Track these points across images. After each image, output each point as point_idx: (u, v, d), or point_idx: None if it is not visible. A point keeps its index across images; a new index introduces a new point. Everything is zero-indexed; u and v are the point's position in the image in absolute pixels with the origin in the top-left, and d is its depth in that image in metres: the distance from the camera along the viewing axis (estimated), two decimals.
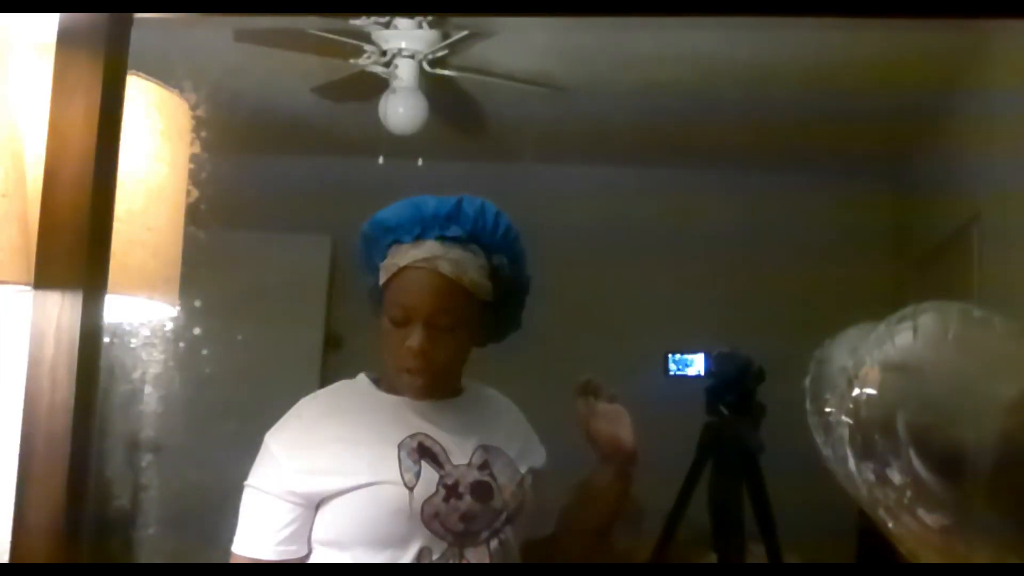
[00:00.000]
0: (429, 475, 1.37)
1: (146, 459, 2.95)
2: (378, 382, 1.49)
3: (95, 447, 0.90)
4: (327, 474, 1.37)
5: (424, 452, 1.39)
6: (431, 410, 1.45)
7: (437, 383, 1.44)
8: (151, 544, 2.72)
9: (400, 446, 1.39)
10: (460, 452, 1.42)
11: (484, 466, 1.42)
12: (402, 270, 1.40)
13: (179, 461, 3.03)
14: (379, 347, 1.45)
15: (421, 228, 1.41)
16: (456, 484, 1.38)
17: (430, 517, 1.36)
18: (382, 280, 1.43)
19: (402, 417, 1.43)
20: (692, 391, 3.08)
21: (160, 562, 2.61)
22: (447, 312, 1.39)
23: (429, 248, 1.40)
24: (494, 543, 1.41)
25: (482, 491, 1.40)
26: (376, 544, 1.35)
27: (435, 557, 1.36)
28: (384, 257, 1.44)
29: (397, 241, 1.43)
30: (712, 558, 3.03)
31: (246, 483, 1.41)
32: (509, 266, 1.47)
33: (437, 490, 1.37)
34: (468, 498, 1.38)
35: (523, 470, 1.46)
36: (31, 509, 0.86)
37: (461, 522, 1.37)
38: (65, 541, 0.86)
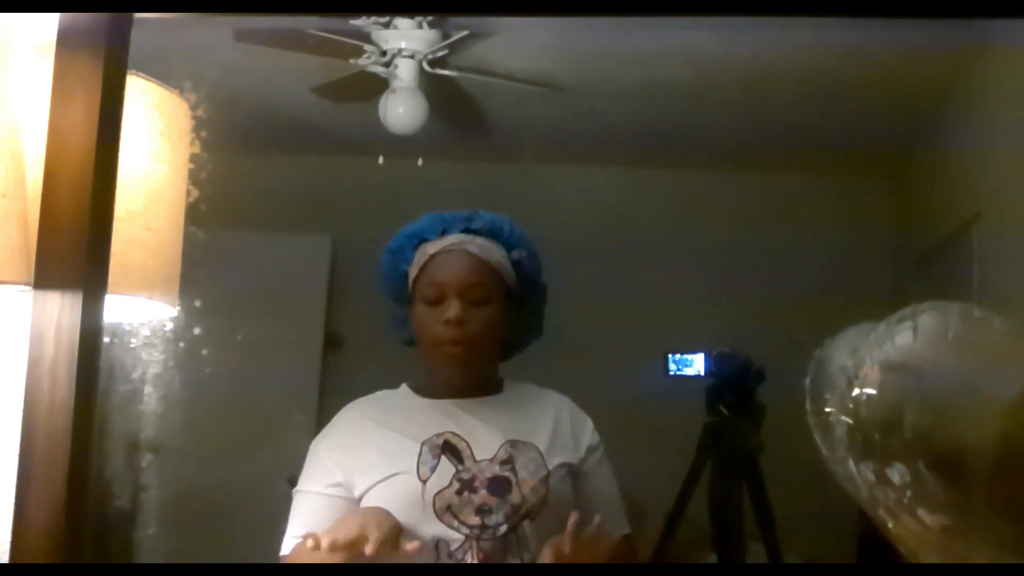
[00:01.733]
0: (445, 469, 1.43)
1: (146, 459, 2.94)
2: (417, 390, 1.56)
3: (95, 447, 0.90)
4: (361, 472, 1.44)
5: (447, 448, 1.45)
6: (466, 409, 1.50)
7: (475, 354, 1.48)
8: (151, 544, 2.72)
9: (425, 443, 1.45)
10: (486, 448, 1.46)
11: (507, 461, 1.46)
12: (432, 257, 1.49)
13: (179, 461, 3.02)
14: (417, 337, 1.52)
15: (444, 226, 1.51)
16: (473, 479, 1.43)
17: (442, 509, 1.41)
18: (413, 275, 1.51)
19: (435, 418, 1.49)
20: (692, 391, 3.08)
21: (160, 562, 2.61)
22: (478, 285, 1.47)
23: (456, 237, 1.50)
24: (511, 537, 1.43)
25: (499, 485, 1.43)
26: None
27: (452, 548, 1.40)
28: (411, 261, 1.52)
29: (424, 240, 1.52)
30: (712, 558, 3.03)
31: (295, 490, 1.48)
32: (528, 260, 1.54)
33: (451, 484, 1.42)
34: (483, 492, 1.42)
35: (552, 465, 1.48)
36: (31, 509, 0.86)
37: (477, 515, 1.41)
38: (65, 541, 0.86)
